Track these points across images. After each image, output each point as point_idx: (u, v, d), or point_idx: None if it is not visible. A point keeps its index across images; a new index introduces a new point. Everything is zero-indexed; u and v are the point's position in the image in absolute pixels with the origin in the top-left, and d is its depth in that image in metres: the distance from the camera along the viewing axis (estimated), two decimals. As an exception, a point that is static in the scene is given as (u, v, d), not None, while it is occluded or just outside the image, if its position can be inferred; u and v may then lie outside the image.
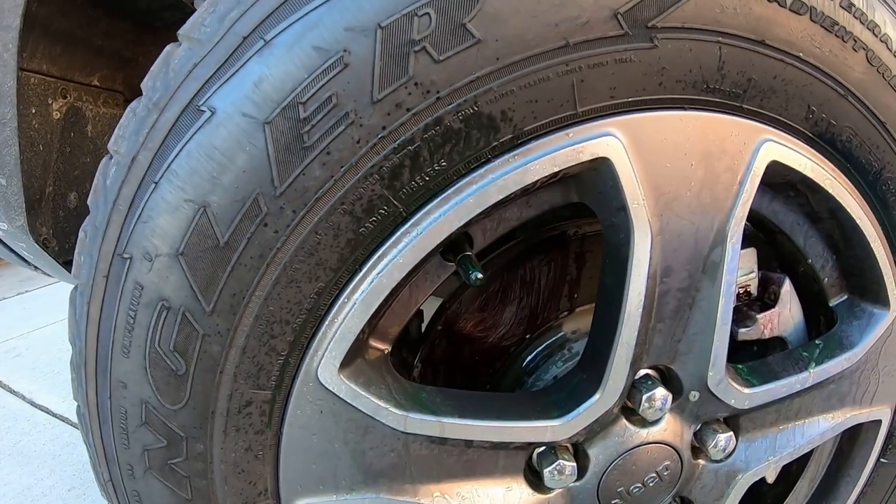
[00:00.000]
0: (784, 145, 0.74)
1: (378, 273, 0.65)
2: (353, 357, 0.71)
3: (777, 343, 0.90)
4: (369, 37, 0.57)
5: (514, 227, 0.74)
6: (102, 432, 0.72)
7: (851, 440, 0.96)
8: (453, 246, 0.72)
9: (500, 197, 0.64)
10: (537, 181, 0.66)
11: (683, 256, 0.72)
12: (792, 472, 1.00)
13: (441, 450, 0.75)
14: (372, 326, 0.74)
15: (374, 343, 0.75)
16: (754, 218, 0.85)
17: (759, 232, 0.88)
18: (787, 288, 0.88)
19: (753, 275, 0.87)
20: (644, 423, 0.80)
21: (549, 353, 0.89)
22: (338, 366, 0.68)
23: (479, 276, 0.68)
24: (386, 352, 0.77)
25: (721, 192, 0.71)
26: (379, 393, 0.72)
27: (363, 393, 0.70)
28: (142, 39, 1.08)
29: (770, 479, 0.99)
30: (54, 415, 2.05)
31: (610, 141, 0.66)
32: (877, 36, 0.76)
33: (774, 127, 0.73)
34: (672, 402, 0.79)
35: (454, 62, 0.59)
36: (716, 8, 0.66)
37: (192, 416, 0.68)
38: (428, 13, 0.58)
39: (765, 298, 0.89)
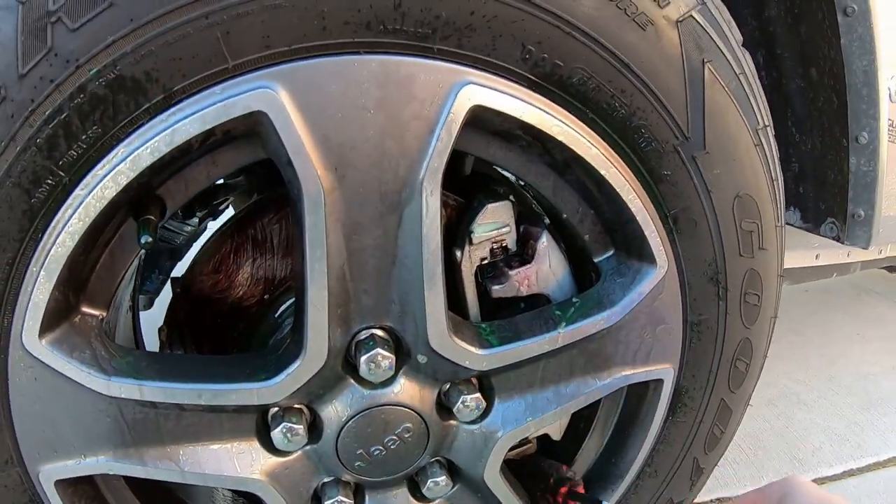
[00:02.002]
0: (492, 89, 0.68)
1: (55, 241, 0.66)
2: (56, 323, 0.71)
3: (544, 301, 0.86)
4: (12, 13, 0.57)
5: (208, 189, 0.71)
6: None
7: (637, 400, 0.93)
8: (142, 209, 0.70)
9: (153, 159, 0.63)
10: (192, 140, 0.63)
11: (372, 211, 0.67)
12: (581, 429, 0.97)
13: (156, 413, 0.74)
14: (76, 293, 0.72)
15: (85, 309, 0.74)
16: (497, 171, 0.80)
17: (513, 186, 0.83)
18: (545, 242, 0.83)
19: (508, 229, 0.83)
20: (373, 385, 0.77)
21: (292, 312, 0.85)
22: (37, 332, 0.69)
23: (148, 239, 0.66)
24: (101, 317, 0.75)
25: (410, 141, 0.66)
26: (83, 358, 0.72)
27: (66, 359, 0.70)
28: None
29: (556, 437, 0.96)
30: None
31: (264, 93, 0.62)
32: (619, -35, 0.69)
33: (480, 69, 0.68)
34: (400, 363, 0.76)
35: (89, 29, 0.59)
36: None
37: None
38: (61, -18, 0.56)
39: (525, 254, 0.84)
